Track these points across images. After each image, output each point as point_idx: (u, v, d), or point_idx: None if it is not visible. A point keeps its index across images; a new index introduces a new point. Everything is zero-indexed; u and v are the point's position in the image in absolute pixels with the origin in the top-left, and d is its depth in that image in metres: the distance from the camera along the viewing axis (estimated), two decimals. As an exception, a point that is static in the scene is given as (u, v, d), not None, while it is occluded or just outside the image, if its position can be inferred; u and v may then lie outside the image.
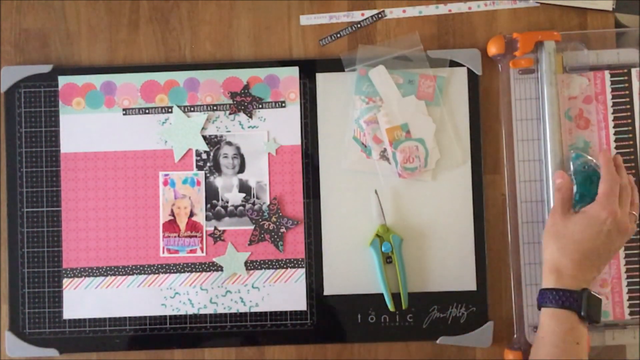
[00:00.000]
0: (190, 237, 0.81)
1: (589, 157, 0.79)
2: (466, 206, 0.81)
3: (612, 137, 0.81)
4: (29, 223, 0.81)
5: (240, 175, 0.82)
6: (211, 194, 0.82)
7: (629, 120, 0.81)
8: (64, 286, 0.81)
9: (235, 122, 0.82)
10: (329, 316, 0.80)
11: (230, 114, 0.82)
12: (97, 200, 0.81)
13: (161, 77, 0.82)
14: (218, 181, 0.82)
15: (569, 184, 0.75)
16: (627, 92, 0.81)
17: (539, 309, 0.71)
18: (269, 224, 0.81)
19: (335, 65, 0.82)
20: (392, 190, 0.81)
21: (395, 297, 0.79)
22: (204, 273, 0.81)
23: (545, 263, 0.73)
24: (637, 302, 0.80)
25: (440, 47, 0.83)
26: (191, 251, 0.81)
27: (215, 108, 0.82)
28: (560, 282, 0.70)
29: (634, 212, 0.75)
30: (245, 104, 0.82)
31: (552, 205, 0.78)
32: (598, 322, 0.71)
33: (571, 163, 0.79)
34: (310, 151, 0.82)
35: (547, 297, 0.70)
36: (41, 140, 0.82)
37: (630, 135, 0.81)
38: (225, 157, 0.82)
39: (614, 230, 0.71)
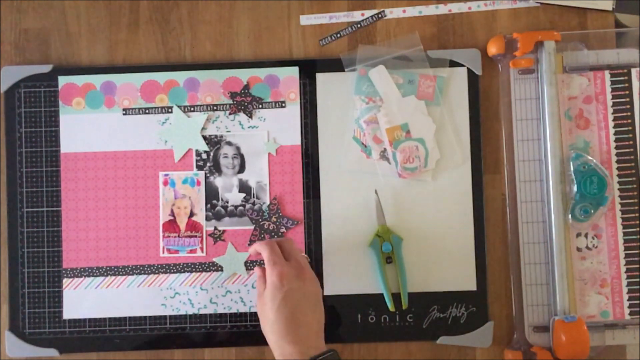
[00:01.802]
0: (190, 237, 0.81)
1: (589, 157, 0.79)
2: (466, 206, 0.81)
3: (612, 137, 0.81)
4: (29, 223, 0.81)
5: (240, 175, 0.82)
6: (211, 194, 0.82)
7: (629, 120, 0.81)
8: (64, 286, 0.81)
9: (235, 122, 0.82)
10: (329, 316, 0.80)
11: (230, 114, 0.82)
12: (97, 200, 0.81)
13: (161, 77, 0.82)
14: (218, 181, 0.82)
15: (261, 271, 0.74)
16: (627, 92, 0.81)
17: None
18: (269, 224, 0.81)
19: (335, 65, 0.82)
20: (392, 190, 0.81)
21: (395, 297, 0.79)
22: (204, 273, 0.81)
23: (273, 352, 0.70)
24: (637, 302, 0.80)
25: (440, 47, 0.83)
26: (191, 251, 0.81)
27: (215, 108, 0.82)
28: None
29: (303, 254, 0.77)
30: (245, 104, 0.82)
31: (552, 205, 0.78)
32: None
33: (571, 163, 0.79)
34: (310, 151, 0.82)
35: None
36: (41, 140, 0.82)
37: (630, 135, 0.81)
38: (225, 157, 0.82)
39: (295, 283, 0.71)
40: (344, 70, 0.82)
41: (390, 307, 0.79)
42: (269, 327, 0.70)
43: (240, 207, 0.81)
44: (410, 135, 0.80)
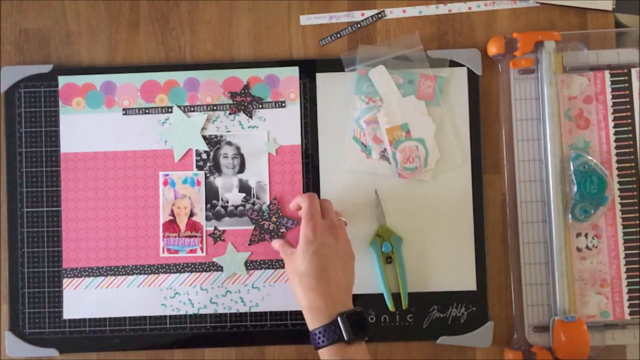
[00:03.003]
0: (190, 237, 0.81)
1: (589, 157, 0.79)
2: (466, 206, 0.81)
3: (612, 137, 0.81)
4: (29, 223, 0.81)
5: (240, 175, 0.82)
6: (211, 194, 0.82)
7: (629, 120, 0.81)
8: (64, 286, 0.81)
9: (235, 122, 0.82)
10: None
11: (230, 114, 0.82)
12: (97, 200, 0.81)
13: (161, 77, 0.82)
14: (218, 181, 0.82)
15: (282, 240, 0.78)
16: (627, 92, 0.81)
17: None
18: (269, 224, 0.81)
19: (335, 65, 0.82)
20: (392, 190, 0.81)
21: (395, 297, 0.79)
22: (204, 273, 0.81)
23: (299, 304, 0.71)
24: (637, 302, 0.80)
25: (440, 47, 0.83)
26: (191, 251, 0.81)
27: (215, 108, 0.82)
28: (315, 319, 0.69)
29: (341, 218, 0.77)
30: (245, 104, 0.82)
31: (552, 205, 0.79)
32: (367, 335, 0.69)
33: (571, 163, 0.79)
34: (310, 151, 0.82)
35: (314, 340, 0.69)
36: (41, 140, 0.82)
37: (630, 135, 0.81)
38: (225, 157, 0.82)
39: (328, 239, 0.72)
40: (344, 70, 0.82)
41: (390, 307, 0.79)
42: (298, 279, 0.71)
43: (240, 207, 0.81)
44: (410, 135, 0.80)
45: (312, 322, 0.69)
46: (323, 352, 0.68)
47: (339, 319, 0.68)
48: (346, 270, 0.73)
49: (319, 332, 0.68)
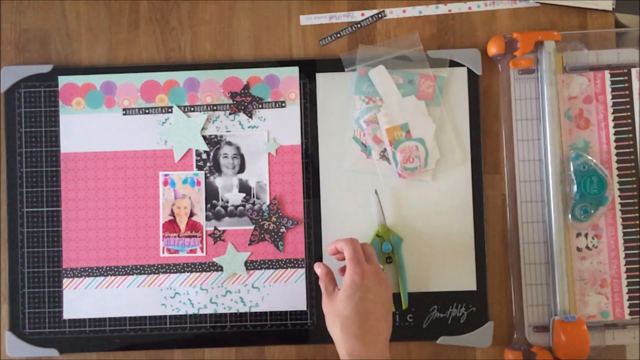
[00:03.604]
0: (190, 237, 0.81)
1: (589, 157, 0.79)
2: (466, 206, 0.81)
3: (612, 137, 0.81)
4: (29, 223, 0.81)
5: (240, 175, 0.82)
6: (211, 194, 0.82)
7: (629, 120, 0.81)
8: (64, 286, 0.81)
9: (235, 122, 0.82)
10: (329, 316, 0.80)
11: (230, 114, 0.82)
12: (97, 200, 0.81)
13: (161, 77, 0.82)
14: (218, 181, 0.82)
15: (327, 269, 0.75)
16: (627, 92, 0.81)
17: None
18: (269, 224, 0.81)
19: (335, 65, 0.82)
20: (392, 190, 0.81)
21: (395, 297, 0.79)
22: (204, 273, 0.81)
23: (337, 346, 0.70)
24: (637, 302, 0.80)
25: (440, 47, 0.83)
26: (191, 251, 0.81)
27: (215, 108, 0.82)
28: None
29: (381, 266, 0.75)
30: (245, 104, 0.82)
31: (552, 205, 0.79)
32: None
33: (571, 163, 0.79)
34: (310, 151, 0.82)
35: None
36: (41, 140, 0.82)
37: (630, 135, 0.81)
38: (225, 157, 0.82)
39: (374, 287, 0.70)
40: (344, 70, 0.82)
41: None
42: (340, 323, 0.69)
43: (240, 207, 0.81)
44: (410, 135, 0.80)
45: None
46: None
47: None
48: (387, 319, 0.71)
49: None
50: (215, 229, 0.81)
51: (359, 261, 0.71)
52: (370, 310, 0.69)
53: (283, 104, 0.82)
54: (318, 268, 0.76)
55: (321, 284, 0.74)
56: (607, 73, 0.81)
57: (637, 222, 0.80)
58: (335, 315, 0.70)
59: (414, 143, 0.80)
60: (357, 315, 0.69)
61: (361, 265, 0.71)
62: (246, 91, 0.82)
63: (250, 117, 0.82)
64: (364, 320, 0.69)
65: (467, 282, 0.80)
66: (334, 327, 0.70)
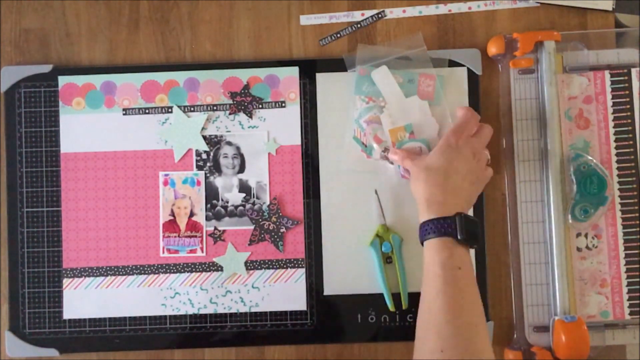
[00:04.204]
0: (190, 237, 0.81)
1: (589, 157, 0.79)
2: (466, 206, 0.81)
3: (612, 137, 0.81)
4: (29, 223, 0.81)
5: (240, 175, 0.82)
6: (211, 194, 0.82)
7: (629, 120, 0.81)
8: (64, 286, 0.81)
9: (235, 122, 0.82)
10: (329, 316, 0.80)
11: (230, 114, 0.82)
12: (97, 200, 0.81)
13: (161, 77, 0.82)
14: (218, 181, 0.82)
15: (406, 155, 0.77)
16: (627, 92, 0.81)
17: (422, 244, 0.71)
18: (269, 224, 0.81)
19: (335, 65, 0.82)
20: (392, 190, 0.81)
21: (395, 297, 0.79)
22: (204, 273, 0.81)
23: (417, 200, 0.73)
24: (637, 302, 0.80)
25: (440, 47, 0.83)
26: (191, 251, 0.81)
27: (215, 108, 0.82)
28: (432, 211, 0.70)
29: (486, 152, 0.76)
30: (245, 104, 0.82)
31: (552, 205, 0.79)
32: (477, 244, 0.70)
33: (571, 163, 0.79)
34: (310, 151, 0.82)
35: (424, 230, 0.70)
36: (41, 140, 0.82)
37: (630, 135, 0.81)
38: (225, 157, 0.82)
39: (466, 153, 0.72)
40: (343, 70, 0.82)
41: (390, 307, 0.79)
42: (425, 174, 0.72)
43: (240, 207, 0.81)
44: (414, 136, 0.80)
45: (427, 213, 0.70)
46: (429, 244, 0.69)
47: (456, 217, 0.69)
48: (473, 186, 0.73)
49: (432, 223, 0.69)
50: (215, 229, 0.81)
51: (462, 128, 0.74)
52: (457, 169, 0.71)
53: (283, 104, 0.82)
54: (396, 154, 0.77)
55: (405, 154, 0.76)
56: (607, 73, 0.81)
57: (637, 222, 0.80)
58: (422, 168, 0.73)
59: (417, 144, 0.80)
60: (444, 166, 0.71)
61: (462, 132, 0.73)
62: (246, 91, 0.82)
63: (250, 117, 0.82)
64: (450, 173, 0.71)
65: (467, 282, 0.80)
66: (418, 179, 0.72)
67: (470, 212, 0.80)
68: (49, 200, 0.82)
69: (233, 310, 0.81)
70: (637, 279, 0.80)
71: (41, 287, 0.81)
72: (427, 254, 0.70)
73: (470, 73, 0.82)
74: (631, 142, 0.81)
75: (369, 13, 0.84)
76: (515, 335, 0.80)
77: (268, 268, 0.81)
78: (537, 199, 0.81)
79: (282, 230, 0.81)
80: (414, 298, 0.80)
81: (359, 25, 0.83)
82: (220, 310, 0.81)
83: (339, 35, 0.83)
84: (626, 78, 0.81)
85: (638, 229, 0.80)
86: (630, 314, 0.79)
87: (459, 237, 0.68)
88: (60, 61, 0.84)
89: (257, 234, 0.81)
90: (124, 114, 0.82)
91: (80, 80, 0.82)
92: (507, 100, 0.82)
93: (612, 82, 0.81)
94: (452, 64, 0.82)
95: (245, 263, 0.81)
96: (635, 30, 0.82)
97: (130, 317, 0.81)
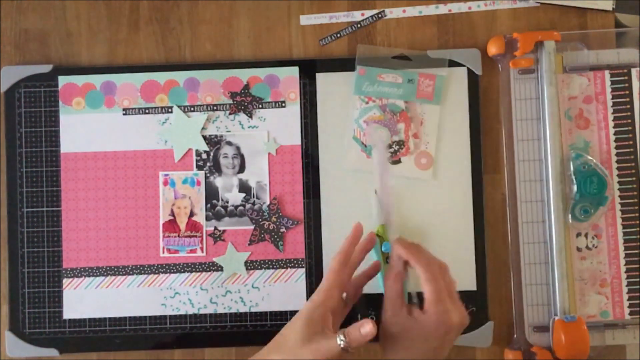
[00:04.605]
0: (190, 237, 0.81)
1: (589, 157, 0.79)
2: (466, 206, 0.81)
3: (612, 137, 0.81)
4: (29, 223, 0.81)
5: (240, 175, 0.82)
6: (211, 194, 0.82)
7: (629, 120, 0.81)
8: (64, 286, 0.81)
9: (235, 122, 0.82)
10: (329, 316, 0.80)
11: (230, 114, 0.82)
12: (97, 200, 0.81)
13: (161, 77, 0.82)
14: (218, 181, 0.82)
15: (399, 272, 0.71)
16: (627, 92, 0.81)
17: None
18: (269, 224, 0.81)
19: (335, 65, 0.82)
20: (392, 190, 0.81)
21: (395, 297, 0.79)
22: (204, 273, 0.81)
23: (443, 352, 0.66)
24: (637, 302, 0.80)
25: (440, 47, 0.83)
26: (191, 251, 0.81)
27: (215, 108, 0.82)
28: None
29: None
30: (245, 104, 0.82)
31: (552, 205, 0.78)
32: None
33: (571, 163, 0.79)
34: (310, 151, 0.82)
35: None
36: (41, 140, 0.82)
37: (630, 135, 0.81)
38: (225, 157, 0.82)
39: (458, 329, 0.66)
40: (343, 70, 0.82)
41: (390, 307, 0.79)
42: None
43: (240, 207, 0.81)
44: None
45: None
46: None
47: None
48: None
49: None
50: (215, 229, 0.81)
51: (456, 301, 0.66)
52: (438, 349, 0.66)
53: (283, 104, 0.82)
54: (390, 279, 0.70)
55: (392, 296, 0.69)
56: (607, 73, 0.81)
57: (637, 222, 0.80)
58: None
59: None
60: (429, 349, 0.65)
61: (462, 306, 0.67)
62: (246, 91, 0.82)
63: (250, 117, 0.82)
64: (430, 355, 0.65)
65: (467, 282, 0.80)
66: (397, 342, 0.67)
67: (471, 213, 0.80)
68: (49, 200, 0.82)
69: (233, 310, 0.81)
70: (637, 279, 0.80)
71: (41, 287, 0.81)
72: None
73: (470, 73, 0.82)
74: (631, 142, 0.81)
75: (369, 13, 0.84)
76: (515, 335, 0.80)
77: (268, 268, 0.81)
78: (537, 199, 0.81)
79: (282, 230, 0.81)
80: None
81: (359, 25, 0.83)
82: (220, 310, 0.81)
83: (339, 35, 0.83)
84: (626, 78, 0.81)
85: (638, 229, 0.80)
86: (630, 314, 0.79)
87: None
88: (60, 61, 0.84)
89: (257, 234, 0.81)
90: (124, 114, 0.82)
91: (80, 80, 0.82)
92: (507, 100, 0.82)
93: (612, 82, 0.81)
94: (452, 64, 0.82)
95: (245, 263, 0.81)
96: (635, 30, 0.82)
97: (130, 317, 0.81)
